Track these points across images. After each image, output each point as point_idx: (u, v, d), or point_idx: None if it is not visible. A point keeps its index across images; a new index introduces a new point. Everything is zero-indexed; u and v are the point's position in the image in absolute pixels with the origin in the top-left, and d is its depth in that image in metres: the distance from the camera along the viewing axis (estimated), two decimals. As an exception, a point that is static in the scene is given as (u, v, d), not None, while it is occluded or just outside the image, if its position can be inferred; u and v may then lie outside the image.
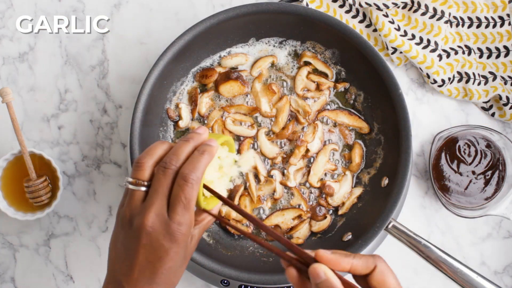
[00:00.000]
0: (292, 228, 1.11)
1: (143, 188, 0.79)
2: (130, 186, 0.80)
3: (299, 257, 0.76)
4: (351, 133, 1.13)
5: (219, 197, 0.83)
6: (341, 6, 1.17)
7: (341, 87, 1.13)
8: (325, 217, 1.11)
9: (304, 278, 0.75)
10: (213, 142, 0.82)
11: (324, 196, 1.12)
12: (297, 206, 1.12)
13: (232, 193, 1.11)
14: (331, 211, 1.13)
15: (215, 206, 0.85)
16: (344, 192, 1.11)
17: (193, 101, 1.13)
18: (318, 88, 1.13)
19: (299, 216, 1.11)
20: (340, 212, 1.12)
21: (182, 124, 1.12)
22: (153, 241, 0.77)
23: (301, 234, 1.11)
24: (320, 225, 1.11)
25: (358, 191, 1.11)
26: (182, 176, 0.78)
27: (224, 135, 0.89)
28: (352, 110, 1.13)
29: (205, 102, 1.13)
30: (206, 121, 1.13)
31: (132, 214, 0.78)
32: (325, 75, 1.14)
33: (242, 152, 1.11)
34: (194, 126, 1.13)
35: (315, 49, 1.14)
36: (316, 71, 1.14)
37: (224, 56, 1.14)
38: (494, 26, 1.14)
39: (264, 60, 1.13)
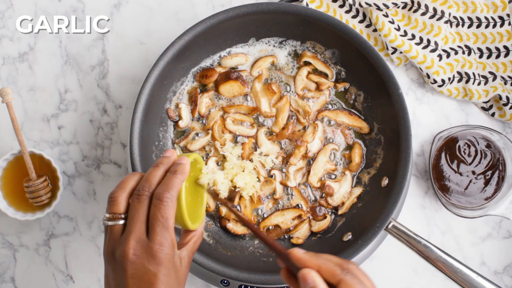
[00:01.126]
0: (292, 228, 1.11)
1: (121, 222, 0.81)
2: (109, 223, 0.81)
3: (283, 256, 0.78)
4: (351, 133, 1.13)
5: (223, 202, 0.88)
6: (341, 6, 1.17)
7: (341, 87, 1.13)
8: (325, 217, 1.11)
9: (296, 280, 0.77)
10: (184, 160, 0.83)
11: (324, 196, 1.12)
12: (297, 206, 1.12)
13: (232, 193, 1.11)
14: (330, 211, 1.12)
15: (200, 225, 0.86)
16: (344, 192, 1.11)
17: (193, 101, 1.13)
18: (318, 88, 1.13)
19: (299, 216, 1.11)
20: (340, 212, 1.11)
21: (182, 124, 1.12)
22: (139, 268, 0.77)
23: (301, 234, 1.11)
24: (320, 225, 1.11)
25: (358, 191, 1.11)
26: (156, 196, 0.79)
27: (192, 153, 0.91)
28: (352, 110, 1.13)
29: (205, 102, 1.13)
30: (206, 121, 1.13)
31: (114, 248, 0.79)
32: (325, 75, 1.14)
33: (244, 154, 1.11)
34: (194, 127, 1.13)
35: (315, 49, 1.14)
36: (316, 71, 1.14)
37: (224, 56, 1.14)
38: (494, 26, 1.14)
39: (264, 60, 1.13)
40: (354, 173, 1.12)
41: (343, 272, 0.76)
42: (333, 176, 1.13)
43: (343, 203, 1.11)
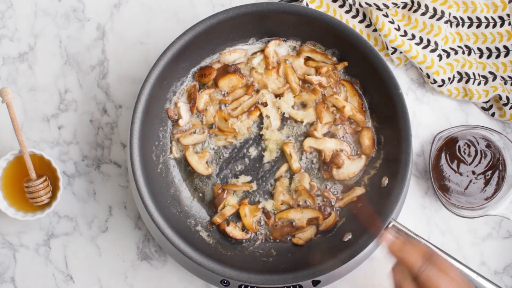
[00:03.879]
0: (298, 228, 1.11)
1: None
2: None
3: None
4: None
5: None
6: (341, 6, 1.17)
7: (340, 68, 1.12)
8: (330, 214, 1.11)
9: None
10: None
11: (329, 167, 1.11)
12: (315, 208, 1.11)
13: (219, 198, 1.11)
14: (333, 202, 1.12)
15: None
16: (353, 170, 1.11)
17: (192, 99, 1.13)
18: (318, 72, 1.13)
19: (316, 219, 1.10)
20: (336, 205, 1.11)
21: (182, 122, 1.12)
22: None
23: (304, 236, 1.11)
24: (326, 223, 1.11)
25: (360, 191, 1.11)
26: None
27: None
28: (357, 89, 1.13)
29: (204, 98, 1.13)
30: (204, 117, 1.13)
31: None
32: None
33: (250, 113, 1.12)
34: (195, 123, 1.13)
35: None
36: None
37: (222, 52, 1.13)
38: (494, 26, 1.14)
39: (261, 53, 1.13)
40: (368, 157, 1.11)
41: (422, 267, 0.81)
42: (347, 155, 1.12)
43: (341, 199, 1.11)
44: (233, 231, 1.11)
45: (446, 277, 0.81)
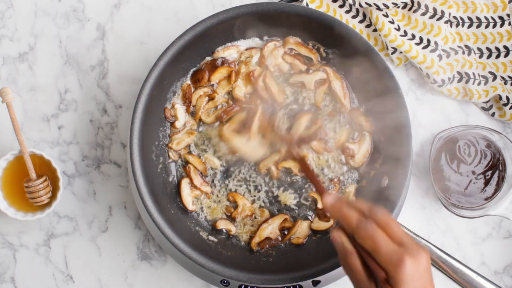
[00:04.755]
0: (290, 228, 1.11)
1: None
2: None
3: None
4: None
5: None
6: (341, 6, 1.17)
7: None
8: (329, 220, 1.11)
9: None
10: None
11: (345, 159, 1.12)
12: (285, 212, 1.12)
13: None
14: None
15: None
16: (366, 148, 1.11)
17: (186, 98, 1.12)
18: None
19: (285, 221, 1.10)
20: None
21: (178, 124, 1.12)
22: None
23: (301, 234, 1.11)
24: (320, 225, 1.11)
25: (354, 187, 1.11)
26: None
27: None
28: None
29: (198, 94, 1.12)
30: (195, 112, 1.13)
31: None
32: (309, 60, 1.13)
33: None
34: (193, 123, 1.13)
35: (315, 48, 1.14)
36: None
37: (216, 51, 1.13)
38: (494, 26, 1.14)
39: (256, 50, 1.13)
40: (371, 132, 1.12)
41: (358, 222, 0.79)
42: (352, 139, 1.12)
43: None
44: (225, 226, 1.11)
45: (383, 232, 0.78)
